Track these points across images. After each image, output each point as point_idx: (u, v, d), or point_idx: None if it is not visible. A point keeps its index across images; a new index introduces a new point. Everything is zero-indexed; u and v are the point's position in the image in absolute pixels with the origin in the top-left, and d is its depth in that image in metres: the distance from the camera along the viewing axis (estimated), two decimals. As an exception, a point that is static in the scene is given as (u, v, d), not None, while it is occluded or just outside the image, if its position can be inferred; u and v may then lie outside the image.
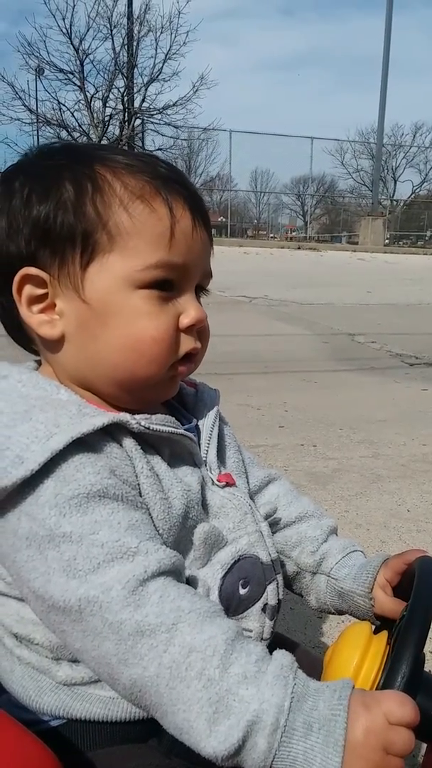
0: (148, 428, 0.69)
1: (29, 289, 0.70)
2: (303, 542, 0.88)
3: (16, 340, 0.78)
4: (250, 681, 0.55)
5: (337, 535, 0.91)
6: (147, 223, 0.69)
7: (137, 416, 0.69)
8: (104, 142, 19.08)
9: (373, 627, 0.73)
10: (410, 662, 0.59)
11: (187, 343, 0.73)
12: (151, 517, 0.67)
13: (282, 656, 0.59)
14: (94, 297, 0.69)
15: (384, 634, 0.69)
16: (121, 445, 0.67)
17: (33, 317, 0.71)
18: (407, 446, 3.26)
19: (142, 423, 0.68)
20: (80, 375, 0.73)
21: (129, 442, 0.68)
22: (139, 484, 0.67)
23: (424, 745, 0.68)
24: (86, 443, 0.63)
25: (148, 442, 0.70)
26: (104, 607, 0.58)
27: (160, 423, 0.71)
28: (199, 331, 0.75)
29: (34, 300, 0.71)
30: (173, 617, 0.58)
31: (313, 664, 0.72)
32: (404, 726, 0.54)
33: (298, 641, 0.95)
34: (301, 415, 3.70)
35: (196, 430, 0.80)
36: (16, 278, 0.70)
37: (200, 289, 0.77)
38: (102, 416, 0.65)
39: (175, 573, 0.63)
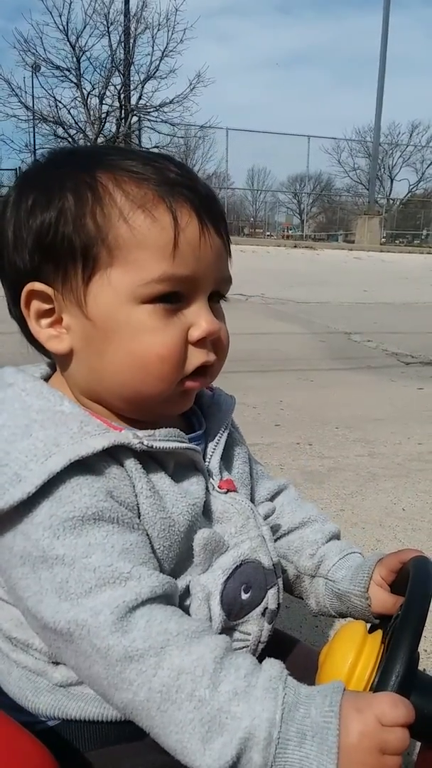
0: (152, 447, 0.67)
1: (36, 304, 0.69)
2: (304, 546, 0.88)
3: (38, 349, 0.76)
4: (241, 697, 0.55)
5: (339, 539, 0.91)
6: (148, 235, 0.65)
7: (140, 433, 0.67)
8: (101, 139, 19.06)
9: (369, 626, 0.73)
10: (404, 661, 0.59)
11: (197, 357, 0.70)
12: (150, 537, 0.66)
13: (271, 666, 0.59)
14: (97, 313, 0.67)
15: (378, 634, 0.70)
16: (121, 464, 0.66)
17: (41, 332, 0.70)
18: (403, 445, 3.27)
19: (145, 442, 0.66)
20: (90, 389, 0.72)
21: (130, 462, 0.66)
22: (138, 505, 0.66)
23: (419, 743, 0.69)
24: (84, 464, 0.62)
25: (152, 456, 0.69)
26: (92, 632, 0.58)
27: (163, 438, 0.69)
28: (214, 342, 0.72)
29: (42, 314, 0.70)
30: (161, 640, 0.58)
31: (312, 661, 0.73)
32: (398, 726, 0.54)
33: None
34: (297, 413, 3.71)
35: (204, 437, 0.79)
36: (23, 294, 0.69)
37: (218, 296, 0.74)
38: (103, 437, 0.64)
39: (167, 598, 0.62)
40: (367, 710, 0.55)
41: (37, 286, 0.68)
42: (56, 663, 0.68)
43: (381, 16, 21.80)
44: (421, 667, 0.65)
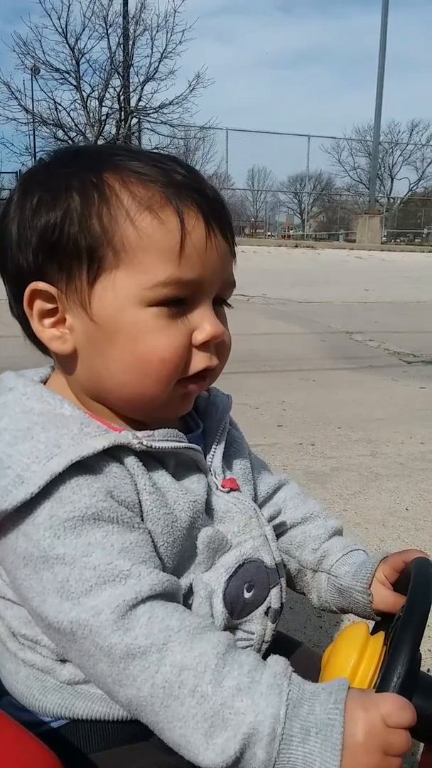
0: (151, 447, 0.68)
1: (39, 304, 0.69)
2: (307, 541, 0.89)
3: (37, 347, 0.76)
4: (245, 692, 0.56)
5: (341, 535, 0.91)
6: (154, 237, 0.65)
7: (139, 434, 0.68)
8: (101, 141, 19.06)
9: (371, 625, 0.73)
10: (406, 662, 0.59)
11: (200, 361, 0.70)
12: (152, 535, 0.67)
13: (275, 663, 0.59)
14: (102, 315, 0.67)
15: (381, 635, 0.70)
16: (122, 463, 0.66)
17: (44, 332, 0.70)
18: (405, 445, 3.27)
19: (144, 442, 0.67)
20: (92, 389, 0.72)
21: (131, 460, 0.67)
22: (140, 502, 0.67)
23: (422, 744, 0.69)
24: (85, 464, 0.63)
25: (153, 456, 0.70)
26: (94, 631, 0.59)
27: (162, 439, 0.69)
28: (217, 345, 0.72)
29: (45, 314, 0.69)
30: (163, 637, 0.58)
31: (315, 664, 0.73)
32: (402, 728, 0.55)
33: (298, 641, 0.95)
34: (299, 413, 3.71)
35: (202, 437, 0.80)
36: (26, 293, 0.68)
37: (221, 301, 0.74)
38: (103, 438, 0.65)
39: (167, 596, 0.63)
40: (373, 710, 0.55)
41: (41, 285, 0.68)
42: (63, 661, 0.68)
43: (380, 14, 21.78)
44: (423, 668, 0.65)
